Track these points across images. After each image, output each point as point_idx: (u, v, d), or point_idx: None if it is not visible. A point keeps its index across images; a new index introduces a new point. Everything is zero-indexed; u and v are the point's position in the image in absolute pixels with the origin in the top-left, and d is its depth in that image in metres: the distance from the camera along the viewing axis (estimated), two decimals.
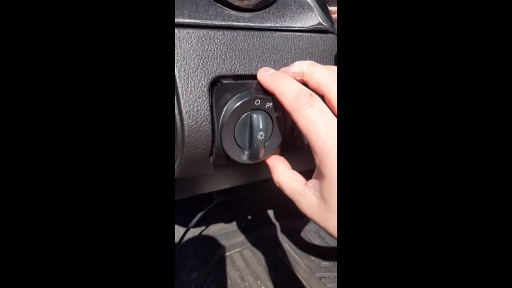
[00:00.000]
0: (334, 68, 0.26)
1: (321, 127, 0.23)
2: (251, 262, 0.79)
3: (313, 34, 0.32)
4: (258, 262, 0.79)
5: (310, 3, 0.32)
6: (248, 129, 0.27)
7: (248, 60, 0.28)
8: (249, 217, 0.91)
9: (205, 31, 0.26)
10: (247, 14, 0.29)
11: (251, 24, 0.29)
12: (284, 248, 0.84)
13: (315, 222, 0.25)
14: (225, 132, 0.27)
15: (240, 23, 0.28)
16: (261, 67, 0.29)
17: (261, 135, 0.27)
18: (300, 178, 0.28)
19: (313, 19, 0.32)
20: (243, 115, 0.27)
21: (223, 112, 0.27)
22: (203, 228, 0.85)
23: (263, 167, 0.33)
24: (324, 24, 0.32)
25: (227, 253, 0.81)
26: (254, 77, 0.28)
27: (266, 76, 0.27)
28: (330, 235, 0.24)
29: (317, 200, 0.25)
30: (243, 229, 0.87)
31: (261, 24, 0.29)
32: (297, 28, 0.31)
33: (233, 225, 0.87)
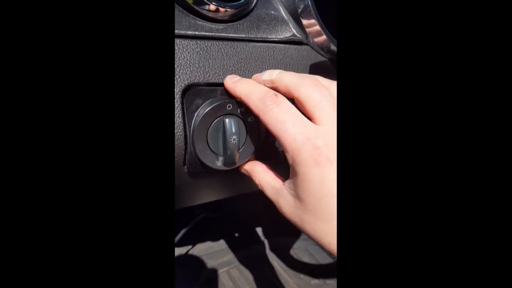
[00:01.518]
0: (303, 74, 0.26)
1: (289, 125, 0.23)
2: (239, 281, 0.77)
3: (287, 46, 0.33)
4: (246, 282, 0.77)
5: (284, 16, 0.33)
6: (221, 134, 0.27)
7: (222, 69, 0.29)
8: (236, 234, 0.89)
9: (178, 40, 0.27)
10: (221, 25, 0.29)
11: (225, 35, 0.29)
12: (272, 266, 0.82)
13: (293, 224, 0.25)
14: (197, 138, 0.27)
15: (213, 34, 0.29)
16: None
17: (234, 139, 0.27)
18: (279, 178, 0.28)
19: (287, 31, 0.33)
20: (215, 120, 0.27)
21: (195, 117, 0.27)
22: (189, 247, 0.82)
23: (243, 179, 0.32)
24: (298, 35, 0.33)
25: (214, 273, 0.78)
26: None
27: (232, 82, 0.27)
28: (309, 236, 0.24)
29: (293, 199, 0.24)
30: (230, 247, 0.85)
31: (235, 35, 0.30)
32: (271, 39, 0.32)
33: (220, 244, 0.85)
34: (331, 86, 0.26)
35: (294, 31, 0.33)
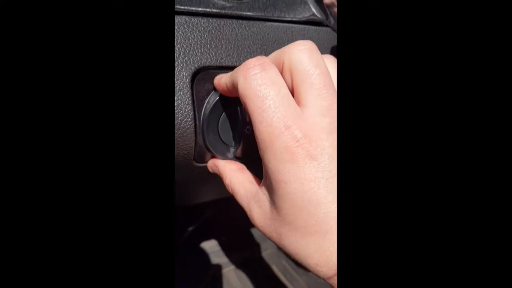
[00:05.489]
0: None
1: (269, 104, 0.17)
2: (246, 280, 0.75)
3: (306, 26, 0.30)
4: (254, 281, 0.75)
5: None
6: (233, 124, 0.24)
7: (236, 50, 0.26)
8: (244, 233, 0.87)
9: (186, 17, 0.24)
10: (235, 2, 0.26)
11: (239, 13, 0.26)
12: (281, 265, 0.79)
13: (270, 239, 0.20)
14: (208, 127, 0.24)
15: (226, 11, 0.26)
16: (250, 58, 0.26)
17: (248, 129, 0.24)
18: (257, 180, 0.21)
19: (307, 10, 0.30)
20: (228, 108, 0.24)
21: (205, 105, 0.24)
22: (195, 245, 0.80)
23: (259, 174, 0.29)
24: (318, 16, 0.30)
25: (221, 272, 0.76)
26: None
27: (219, 76, 0.23)
28: (290, 256, 0.19)
29: (269, 208, 0.19)
30: (238, 245, 0.82)
31: (249, 13, 0.27)
32: (289, 19, 0.29)
33: (227, 242, 0.83)
34: (329, 60, 0.21)
35: (314, 10, 0.30)
